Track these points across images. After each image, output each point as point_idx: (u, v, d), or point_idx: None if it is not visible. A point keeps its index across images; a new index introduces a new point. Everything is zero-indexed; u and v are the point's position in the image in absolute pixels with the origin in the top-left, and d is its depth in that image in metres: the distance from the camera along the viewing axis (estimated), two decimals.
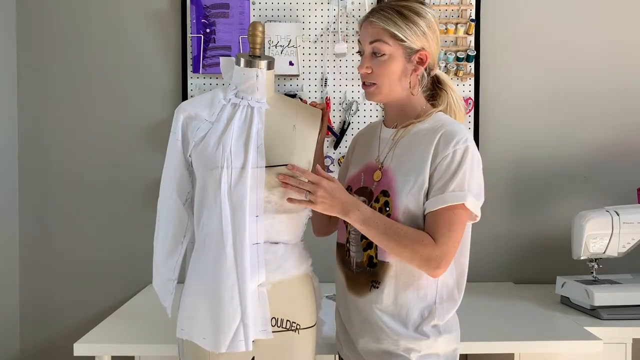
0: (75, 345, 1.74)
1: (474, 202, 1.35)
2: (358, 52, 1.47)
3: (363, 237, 1.43)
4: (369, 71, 1.42)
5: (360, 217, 1.35)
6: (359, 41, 1.46)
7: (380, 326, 1.40)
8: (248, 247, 1.38)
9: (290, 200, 1.39)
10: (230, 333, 1.36)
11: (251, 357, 1.45)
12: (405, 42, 1.40)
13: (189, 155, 1.45)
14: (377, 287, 1.41)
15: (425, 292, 1.40)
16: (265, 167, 1.41)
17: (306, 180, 1.37)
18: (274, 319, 1.44)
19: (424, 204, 1.36)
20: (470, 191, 1.34)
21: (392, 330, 1.39)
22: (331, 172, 2.45)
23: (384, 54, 1.40)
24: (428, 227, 1.35)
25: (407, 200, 1.36)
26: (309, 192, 1.36)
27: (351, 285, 1.47)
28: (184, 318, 1.43)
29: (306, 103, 1.65)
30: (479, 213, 1.38)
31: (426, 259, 1.32)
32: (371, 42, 1.41)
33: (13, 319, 2.47)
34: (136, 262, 2.46)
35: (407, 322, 1.39)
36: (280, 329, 1.45)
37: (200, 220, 1.43)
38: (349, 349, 1.50)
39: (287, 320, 1.46)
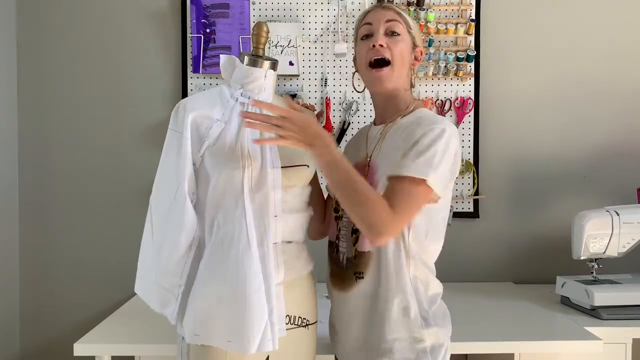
0: (75, 345, 1.74)
1: (437, 183, 1.33)
2: (365, 35, 1.46)
3: (353, 232, 1.43)
4: (384, 44, 1.42)
5: (327, 156, 1.30)
6: (367, 23, 1.46)
7: (367, 318, 1.40)
8: (272, 247, 1.39)
9: (257, 141, 1.32)
10: (260, 333, 1.35)
11: (266, 356, 1.44)
12: (412, 31, 1.46)
13: (201, 156, 1.40)
14: (362, 278, 1.41)
15: (406, 281, 1.38)
16: (282, 167, 1.42)
17: (274, 115, 1.29)
18: (287, 317, 1.44)
19: None
20: (436, 171, 1.32)
21: (379, 322, 1.38)
22: None
23: (399, 34, 1.43)
24: (387, 189, 1.33)
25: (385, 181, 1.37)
26: (278, 127, 1.28)
27: (336, 281, 1.48)
28: (197, 323, 1.38)
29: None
30: (440, 194, 1.36)
31: (374, 222, 1.28)
32: (387, 21, 1.43)
33: (13, 319, 2.47)
34: (136, 262, 2.45)
35: (394, 312, 1.38)
36: (294, 326, 1.47)
37: (213, 221, 1.40)
38: (342, 346, 1.50)
39: (299, 317, 1.48)
